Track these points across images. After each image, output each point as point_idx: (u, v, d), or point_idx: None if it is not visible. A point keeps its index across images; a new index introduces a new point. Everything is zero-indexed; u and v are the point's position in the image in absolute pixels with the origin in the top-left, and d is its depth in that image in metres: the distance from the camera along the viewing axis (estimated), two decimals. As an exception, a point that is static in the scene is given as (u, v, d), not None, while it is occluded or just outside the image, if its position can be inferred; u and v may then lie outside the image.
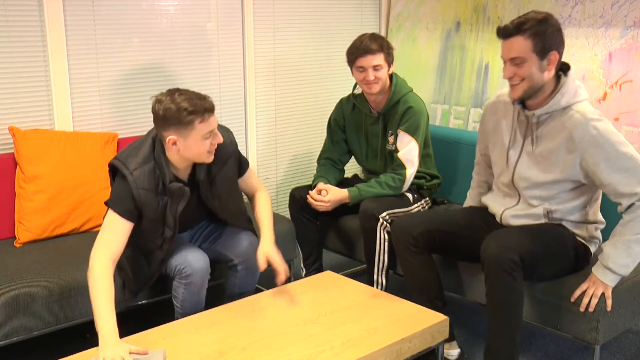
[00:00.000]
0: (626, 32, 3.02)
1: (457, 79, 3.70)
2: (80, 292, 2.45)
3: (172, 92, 2.25)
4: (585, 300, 2.26)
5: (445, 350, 2.55)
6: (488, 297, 2.29)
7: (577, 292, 2.29)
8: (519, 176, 2.42)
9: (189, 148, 2.28)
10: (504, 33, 2.25)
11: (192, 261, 2.38)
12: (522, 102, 2.37)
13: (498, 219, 2.52)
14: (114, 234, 2.25)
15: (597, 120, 2.23)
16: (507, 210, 2.48)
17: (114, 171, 2.36)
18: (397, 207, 2.91)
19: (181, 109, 2.19)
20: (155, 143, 2.33)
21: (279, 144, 3.78)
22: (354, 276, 2.72)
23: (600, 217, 2.47)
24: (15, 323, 2.34)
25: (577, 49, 3.19)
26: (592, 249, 2.45)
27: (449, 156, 3.35)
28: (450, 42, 3.73)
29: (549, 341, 2.85)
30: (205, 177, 2.43)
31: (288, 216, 3.18)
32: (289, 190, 3.17)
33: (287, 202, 3.17)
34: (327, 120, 3.25)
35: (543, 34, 2.20)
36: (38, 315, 2.38)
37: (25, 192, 2.74)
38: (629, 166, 2.21)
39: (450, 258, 2.64)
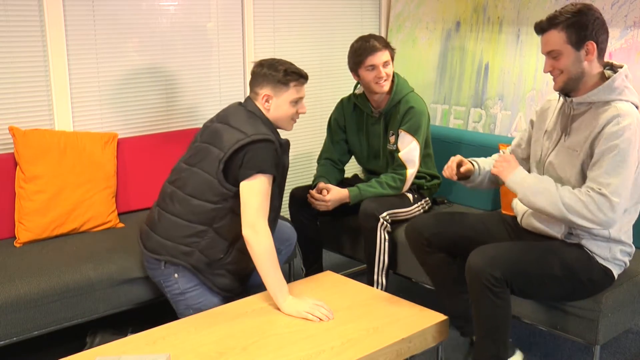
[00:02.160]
0: (626, 32, 3.02)
1: (457, 79, 3.70)
2: (80, 292, 2.45)
3: (273, 59, 2.53)
4: (497, 164, 2.38)
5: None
6: (472, 309, 2.26)
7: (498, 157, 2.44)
8: (548, 167, 2.35)
9: (278, 107, 2.48)
10: (539, 29, 2.25)
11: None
12: (568, 95, 2.30)
13: (519, 219, 2.46)
14: (267, 197, 2.38)
15: (627, 119, 2.13)
16: (530, 210, 2.38)
17: (239, 149, 2.37)
18: (397, 207, 2.91)
19: (280, 69, 2.46)
20: (253, 113, 2.46)
21: (279, 144, 3.77)
22: (354, 276, 2.72)
23: (627, 238, 2.30)
24: (15, 323, 2.34)
25: (577, 49, 3.18)
26: (615, 271, 2.30)
27: (449, 156, 3.30)
28: (450, 42, 3.73)
29: (549, 341, 2.85)
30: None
31: (288, 216, 3.18)
32: (289, 190, 3.17)
33: (287, 202, 3.17)
34: (327, 120, 3.25)
35: (577, 24, 2.17)
36: (38, 315, 2.38)
37: (25, 192, 2.74)
38: (619, 173, 2.12)
39: (463, 260, 2.61)
